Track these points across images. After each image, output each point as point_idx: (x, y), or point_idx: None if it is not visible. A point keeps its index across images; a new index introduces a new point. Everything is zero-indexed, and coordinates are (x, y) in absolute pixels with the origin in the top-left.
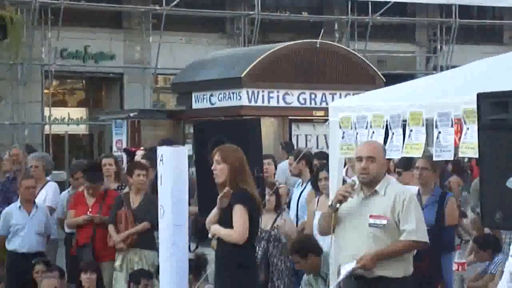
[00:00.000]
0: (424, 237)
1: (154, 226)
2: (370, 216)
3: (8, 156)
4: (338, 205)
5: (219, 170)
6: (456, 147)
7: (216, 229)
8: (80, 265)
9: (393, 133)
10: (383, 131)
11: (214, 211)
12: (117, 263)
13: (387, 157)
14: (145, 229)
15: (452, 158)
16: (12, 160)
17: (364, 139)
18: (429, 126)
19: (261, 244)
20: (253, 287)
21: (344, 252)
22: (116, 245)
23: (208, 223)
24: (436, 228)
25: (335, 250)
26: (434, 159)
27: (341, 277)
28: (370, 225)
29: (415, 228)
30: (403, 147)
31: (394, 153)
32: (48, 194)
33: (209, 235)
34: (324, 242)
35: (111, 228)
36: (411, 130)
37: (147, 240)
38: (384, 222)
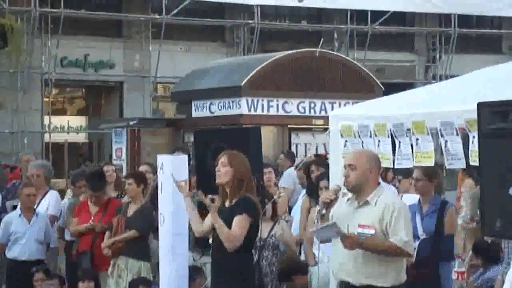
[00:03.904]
0: (412, 250)
1: (143, 235)
2: (359, 225)
3: (22, 163)
4: (324, 211)
5: (223, 172)
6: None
7: (218, 222)
8: (78, 273)
9: (399, 142)
10: (390, 139)
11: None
12: (109, 270)
13: (398, 166)
14: (132, 237)
15: (464, 166)
16: (24, 166)
17: (371, 148)
18: (433, 135)
19: (256, 251)
20: None
21: (334, 259)
22: (102, 250)
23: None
24: (435, 237)
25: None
26: (447, 167)
27: (324, 224)
28: (358, 234)
29: (407, 240)
30: (413, 156)
31: (405, 162)
32: (50, 202)
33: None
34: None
35: (107, 234)
36: (417, 139)
37: (135, 249)
38: (372, 232)
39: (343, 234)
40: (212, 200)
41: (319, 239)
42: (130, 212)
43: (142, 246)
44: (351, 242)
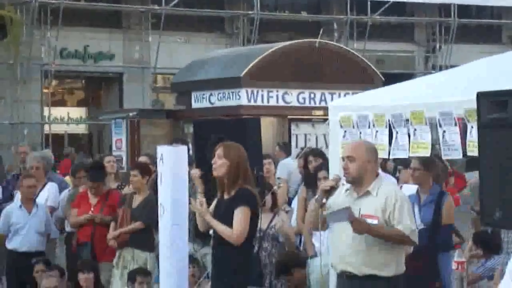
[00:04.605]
0: (417, 239)
1: (149, 227)
2: (361, 216)
3: (14, 153)
4: (324, 199)
5: (219, 164)
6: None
7: (213, 223)
8: (77, 265)
9: (397, 132)
10: (387, 130)
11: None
12: (115, 260)
13: (393, 157)
14: (137, 229)
15: (460, 157)
16: (20, 158)
17: (369, 139)
18: (432, 125)
19: (255, 243)
20: (249, 285)
21: (335, 251)
22: (108, 242)
23: (200, 213)
24: (433, 227)
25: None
26: (443, 157)
27: (340, 208)
28: None
29: (414, 229)
30: (409, 146)
31: (401, 152)
32: (49, 194)
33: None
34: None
35: (112, 225)
36: (415, 129)
37: (140, 240)
38: (375, 221)
39: (354, 218)
40: (201, 203)
41: (330, 222)
42: (135, 203)
43: (148, 237)
44: (360, 226)
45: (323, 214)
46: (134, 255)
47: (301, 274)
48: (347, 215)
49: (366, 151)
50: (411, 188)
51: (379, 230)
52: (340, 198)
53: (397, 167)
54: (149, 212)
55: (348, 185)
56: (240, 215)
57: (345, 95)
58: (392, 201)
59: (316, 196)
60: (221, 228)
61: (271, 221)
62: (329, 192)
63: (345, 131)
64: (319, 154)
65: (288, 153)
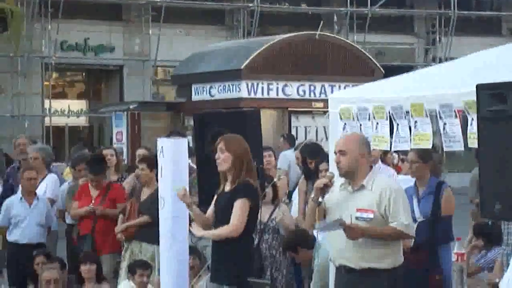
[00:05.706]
0: (413, 232)
1: (156, 220)
2: (357, 210)
3: (17, 146)
4: (320, 199)
5: (223, 158)
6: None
7: (207, 234)
8: (79, 256)
9: (398, 124)
10: (388, 122)
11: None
12: (122, 253)
13: (395, 149)
14: (144, 222)
15: (462, 148)
16: (19, 149)
17: (369, 131)
18: (432, 117)
19: (256, 235)
20: (249, 277)
21: (332, 246)
22: (116, 235)
23: (194, 229)
24: (432, 219)
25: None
26: (445, 149)
27: (327, 223)
28: (357, 218)
29: (408, 223)
30: (411, 138)
31: (403, 144)
32: (48, 186)
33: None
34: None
35: (120, 218)
36: (415, 122)
37: (147, 233)
38: (371, 215)
39: (347, 226)
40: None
41: (321, 232)
42: (143, 197)
43: (155, 230)
44: (354, 232)
45: (316, 225)
46: (142, 248)
47: (306, 255)
48: (338, 225)
49: (358, 144)
50: (407, 180)
51: (374, 232)
52: (335, 193)
53: (399, 157)
54: (156, 206)
55: (343, 180)
56: (238, 207)
57: (345, 87)
58: (387, 194)
59: (312, 196)
60: (216, 233)
61: (272, 213)
62: (324, 190)
63: (345, 123)
64: (316, 152)
65: (292, 144)
